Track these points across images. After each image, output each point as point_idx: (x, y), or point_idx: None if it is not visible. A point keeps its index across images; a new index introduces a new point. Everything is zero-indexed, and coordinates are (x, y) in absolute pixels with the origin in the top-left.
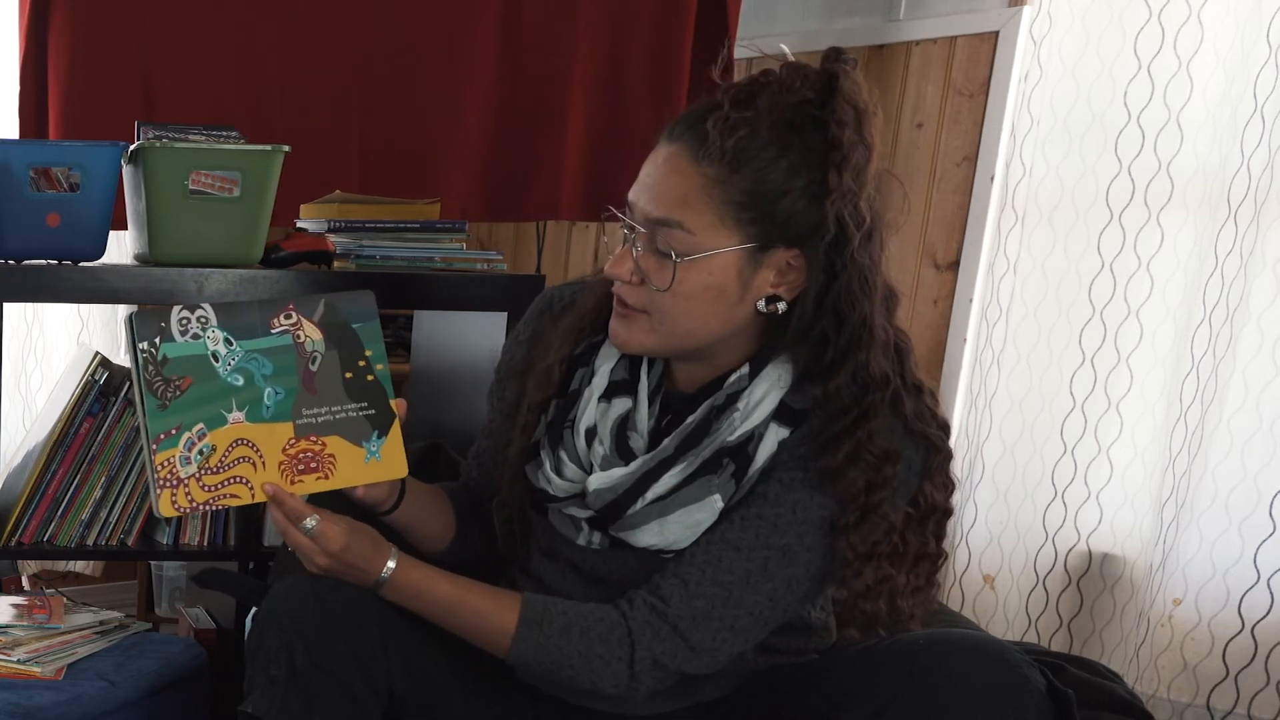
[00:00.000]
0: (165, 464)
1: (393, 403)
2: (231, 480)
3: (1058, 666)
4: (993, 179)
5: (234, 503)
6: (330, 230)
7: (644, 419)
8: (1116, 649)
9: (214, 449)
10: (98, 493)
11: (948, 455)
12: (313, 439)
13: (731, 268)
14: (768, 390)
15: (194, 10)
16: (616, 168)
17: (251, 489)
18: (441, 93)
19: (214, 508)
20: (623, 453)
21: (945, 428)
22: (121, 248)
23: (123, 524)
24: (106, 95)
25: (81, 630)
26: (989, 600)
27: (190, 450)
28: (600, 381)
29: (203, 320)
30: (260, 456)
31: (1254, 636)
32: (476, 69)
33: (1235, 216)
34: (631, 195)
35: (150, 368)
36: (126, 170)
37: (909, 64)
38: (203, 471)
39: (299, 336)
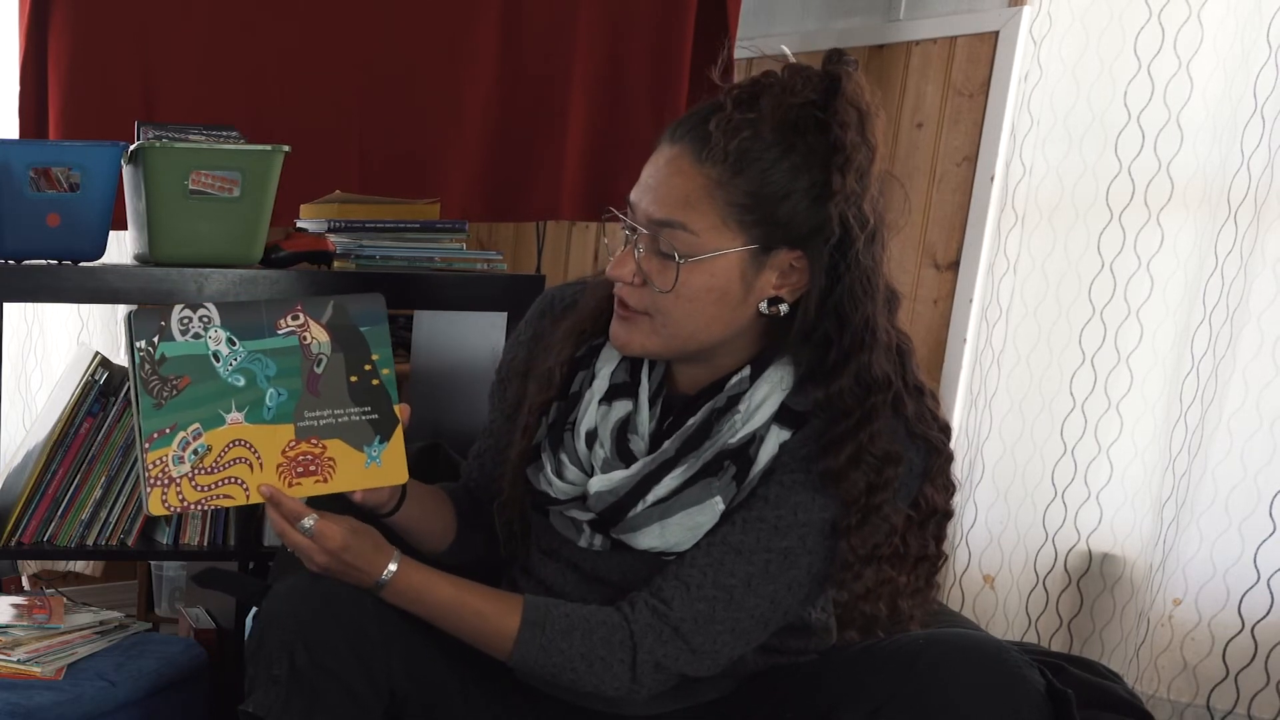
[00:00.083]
0: (157, 463)
1: (396, 408)
2: (226, 481)
3: (1057, 666)
4: (993, 179)
5: (227, 503)
6: (330, 230)
7: (645, 421)
8: (1116, 649)
9: (209, 449)
10: (98, 493)
11: (948, 457)
12: (313, 441)
13: (734, 269)
14: (769, 392)
15: (194, 10)
16: (616, 168)
17: (247, 490)
18: (441, 93)
19: (206, 508)
20: (623, 455)
21: (946, 430)
22: (121, 248)
23: (123, 524)
24: (106, 95)
25: (81, 630)
26: (989, 600)
27: (184, 450)
28: (601, 384)
29: (205, 320)
30: (257, 458)
31: (1254, 636)
32: (476, 69)
33: (1235, 216)
34: (633, 196)
35: (147, 367)
36: (126, 170)
37: (909, 64)
38: (196, 471)
39: (305, 338)
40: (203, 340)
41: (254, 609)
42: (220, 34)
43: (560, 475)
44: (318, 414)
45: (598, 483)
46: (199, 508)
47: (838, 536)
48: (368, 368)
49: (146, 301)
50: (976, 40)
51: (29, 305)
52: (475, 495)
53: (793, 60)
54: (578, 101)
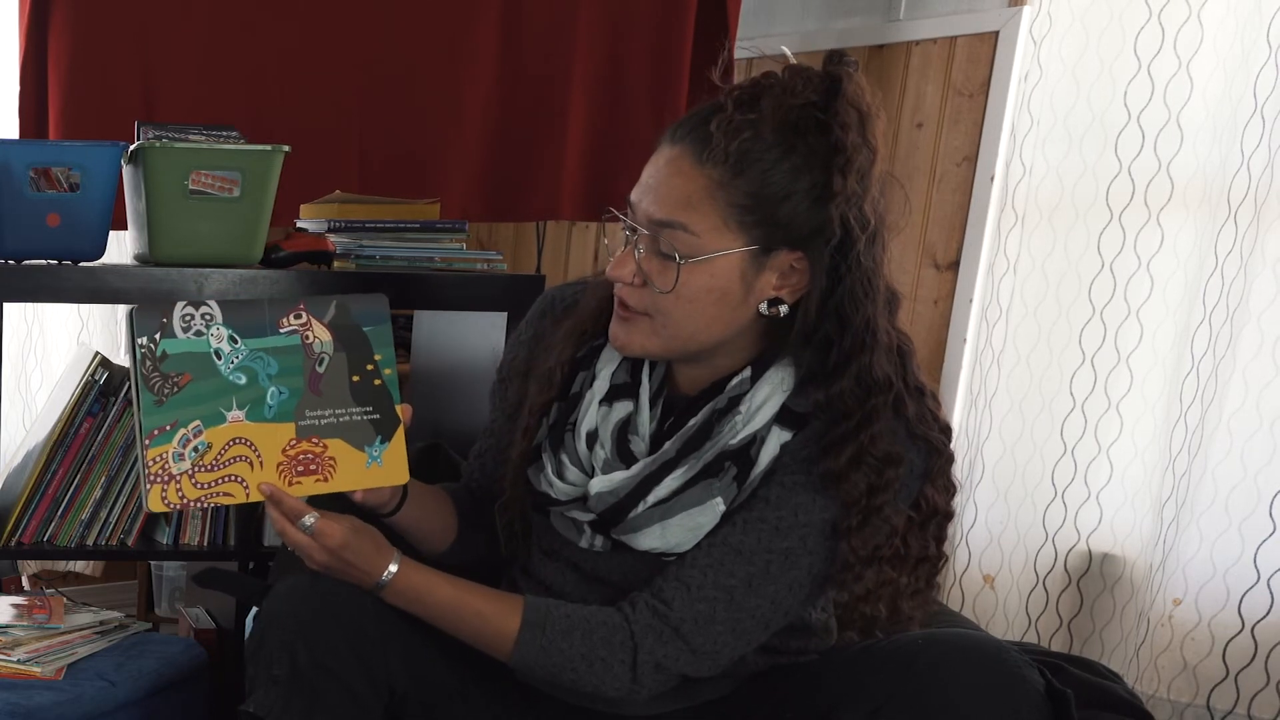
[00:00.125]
0: (157, 459)
1: (398, 408)
2: (226, 479)
3: (1057, 666)
4: (993, 179)
5: (227, 501)
6: (330, 230)
7: (645, 422)
8: (1116, 649)
9: (210, 446)
10: (98, 493)
11: (949, 458)
12: (314, 441)
13: (734, 270)
14: (770, 394)
15: (194, 10)
16: (616, 168)
17: (246, 488)
18: (441, 93)
19: (206, 505)
20: (624, 456)
21: (947, 431)
22: (121, 248)
23: (123, 524)
24: (106, 95)
25: (81, 630)
26: (989, 600)
27: (184, 447)
28: (601, 385)
29: (207, 317)
30: (258, 456)
31: (1254, 636)
32: (476, 69)
33: (1235, 216)
34: (633, 196)
35: (148, 363)
36: (126, 170)
37: (909, 64)
38: (196, 469)
39: (307, 337)
40: (204, 338)
41: (254, 609)
42: (220, 34)
43: (561, 476)
44: (319, 413)
45: (598, 483)
46: (199, 505)
47: (838, 537)
48: (370, 367)
49: (147, 302)
50: (976, 40)
51: (29, 305)
52: (476, 495)
53: (793, 61)
54: (578, 101)
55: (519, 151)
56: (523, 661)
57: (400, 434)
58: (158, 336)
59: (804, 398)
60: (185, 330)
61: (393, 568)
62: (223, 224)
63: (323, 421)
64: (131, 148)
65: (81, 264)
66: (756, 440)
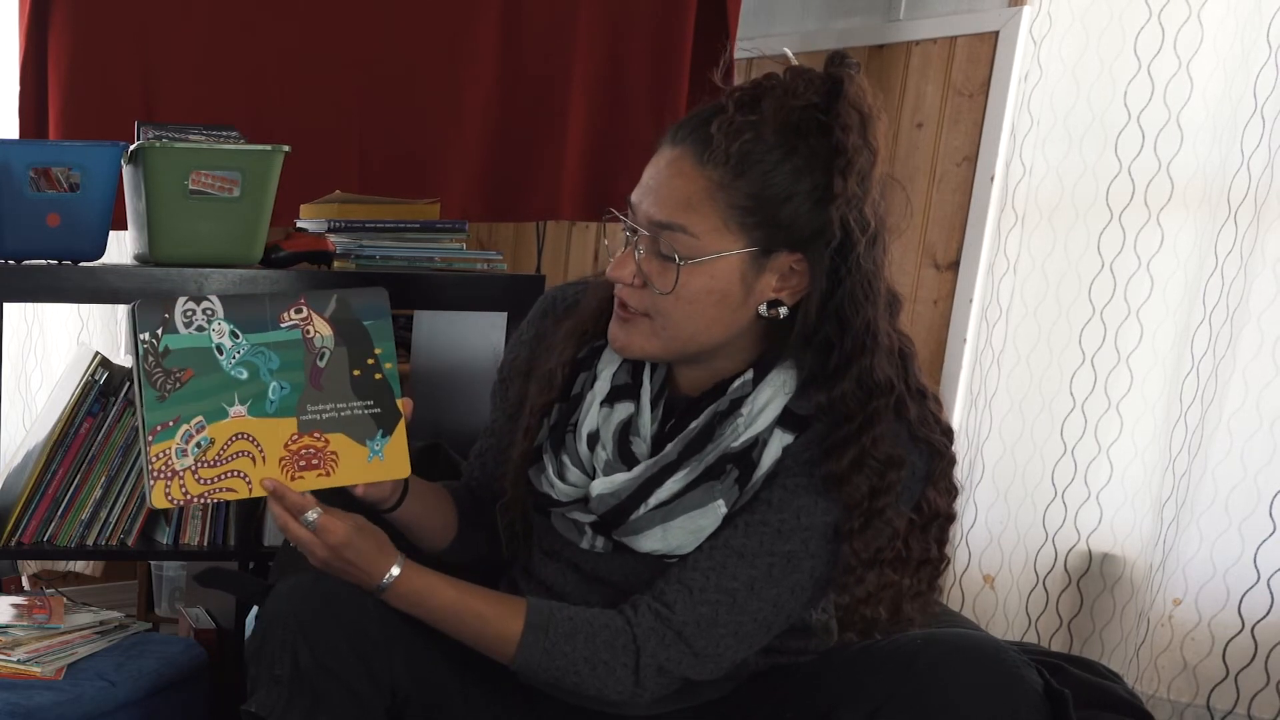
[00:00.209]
0: (160, 455)
1: (399, 402)
2: (229, 474)
3: (1057, 666)
4: (993, 179)
5: (230, 496)
6: (330, 230)
7: (647, 424)
8: (1116, 649)
9: (212, 442)
10: (98, 493)
11: (951, 460)
12: (316, 435)
13: (734, 271)
14: (772, 396)
15: (194, 10)
16: (616, 168)
17: (249, 483)
18: (441, 93)
19: (209, 501)
20: (625, 458)
21: (948, 433)
22: (121, 248)
23: (123, 524)
24: (106, 95)
25: (81, 630)
26: (989, 600)
27: (187, 442)
28: (603, 386)
29: (209, 312)
30: (260, 451)
31: (1254, 636)
32: (476, 69)
33: (1235, 216)
34: (634, 197)
35: (150, 359)
36: (126, 170)
37: (909, 64)
38: (199, 464)
39: (308, 331)
40: (206, 333)
41: (255, 608)
42: (220, 34)
43: (562, 477)
44: (320, 408)
45: (600, 485)
46: (202, 501)
47: (840, 540)
48: (370, 361)
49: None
50: (976, 40)
51: (29, 305)
52: (477, 494)
53: (795, 62)
54: (578, 101)
55: (519, 151)
56: (525, 665)
57: (401, 427)
58: (160, 332)
59: (806, 400)
60: (187, 325)
61: (394, 571)
62: (223, 224)
63: (324, 416)
64: (131, 148)
65: (81, 264)
66: (758, 443)
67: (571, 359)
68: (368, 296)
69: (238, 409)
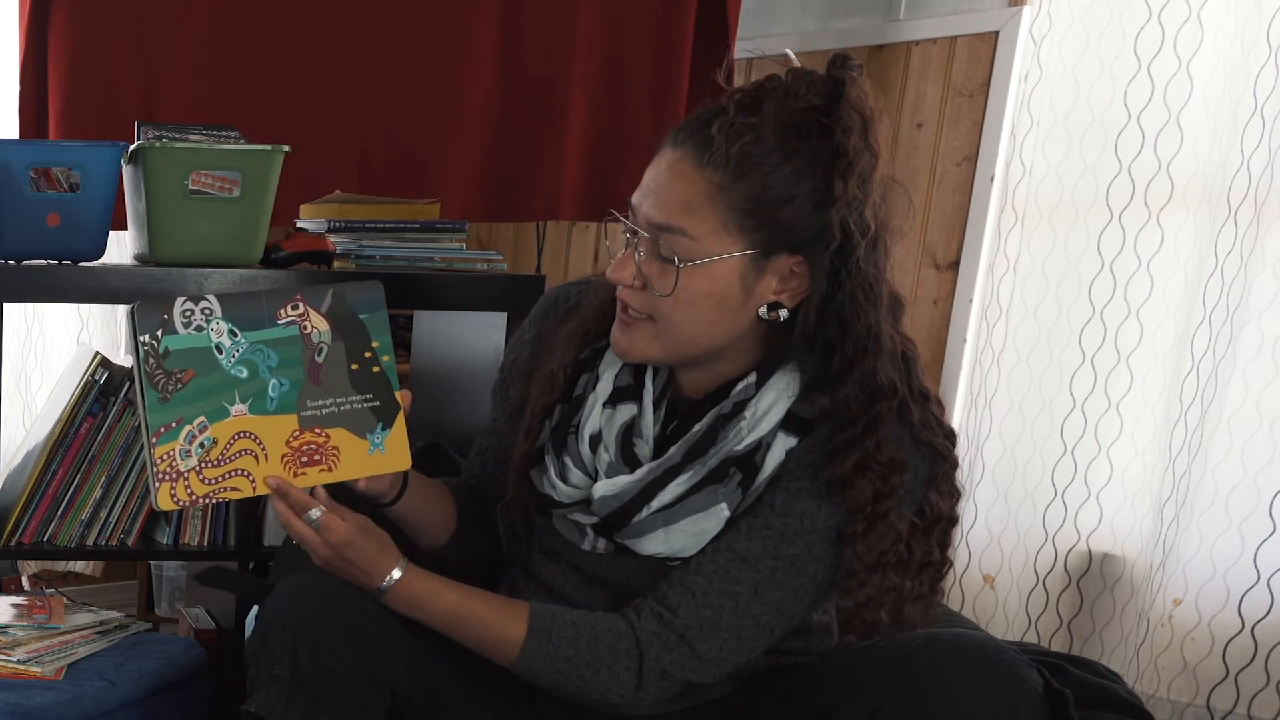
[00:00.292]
0: (165, 457)
1: (397, 394)
2: (232, 473)
3: (1057, 666)
4: (993, 179)
5: (235, 495)
6: (330, 230)
7: (649, 426)
8: (1116, 649)
9: (215, 442)
10: (98, 493)
11: (953, 464)
12: (316, 431)
13: (734, 274)
14: (775, 399)
15: (194, 10)
16: (616, 168)
17: (253, 481)
18: (441, 93)
19: (214, 501)
20: (628, 460)
21: (951, 436)
22: (121, 248)
23: (123, 524)
24: (106, 95)
25: (81, 630)
26: (989, 600)
27: (191, 443)
28: (605, 387)
29: (207, 311)
30: (262, 449)
31: (1254, 636)
32: (476, 69)
33: (1235, 216)
34: (634, 199)
35: (151, 360)
36: (126, 170)
37: (909, 64)
38: (203, 465)
39: (305, 327)
40: (205, 332)
41: (255, 608)
42: (220, 34)
43: (564, 479)
44: (320, 403)
45: (602, 487)
46: (207, 501)
47: (843, 544)
48: (368, 355)
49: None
50: (976, 40)
51: (29, 305)
52: (477, 492)
53: (796, 63)
54: (578, 101)
55: (519, 151)
56: (528, 668)
57: (401, 420)
58: (160, 333)
59: (809, 403)
60: (186, 326)
61: (395, 574)
62: (223, 224)
63: (324, 411)
64: (131, 148)
65: (81, 264)
66: (761, 446)
67: (573, 360)
68: (363, 290)
69: (239, 408)
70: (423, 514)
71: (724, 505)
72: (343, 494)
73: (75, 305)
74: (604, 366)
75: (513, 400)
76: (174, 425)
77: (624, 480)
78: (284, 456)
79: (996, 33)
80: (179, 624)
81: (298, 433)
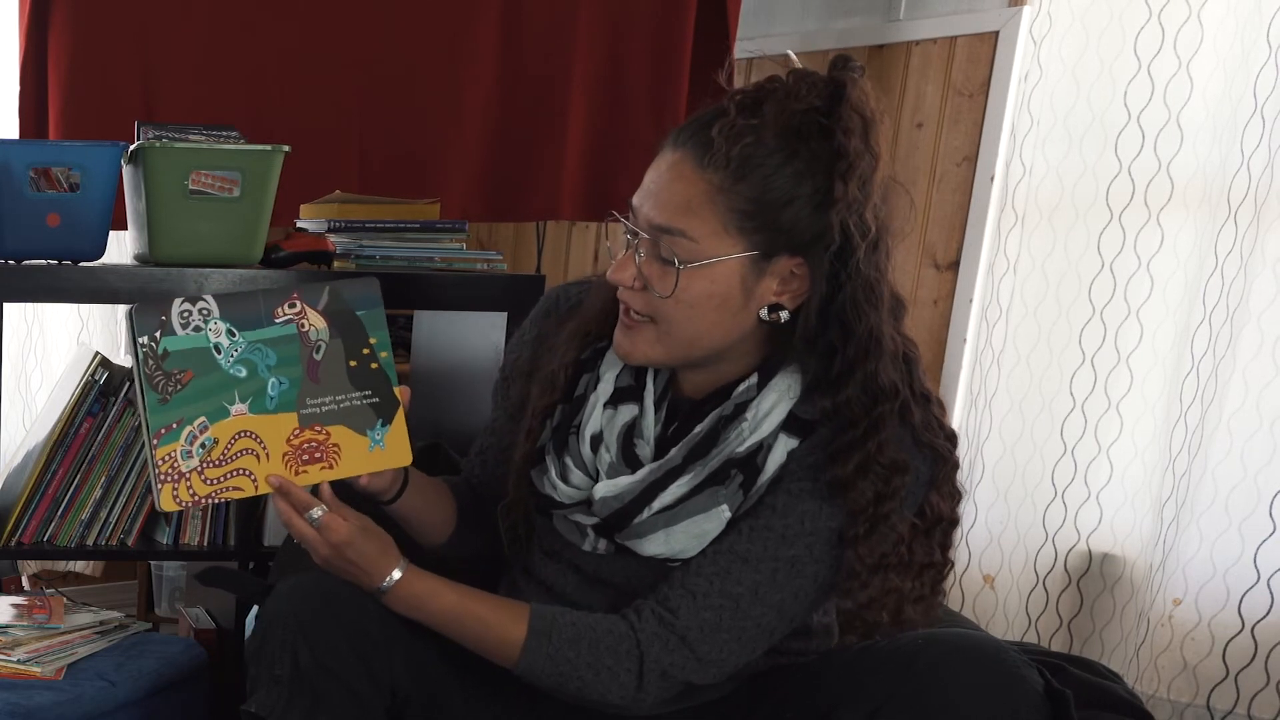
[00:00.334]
0: (166, 458)
1: (396, 390)
2: (234, 473)
3: (1057, 666)
4: (993, 179)
5: (237, 495)
6: (330, 230)
7: (650, 426)
8: (1116, 649)
9: (216, 442)
10: (98, 493)
11: (954, 465)
12: (317, 429)
13: (734, 275)
14: (776, 401)
15: (194, 10)
16: (617, 168)
17: (255, 481)
18: (441, 93)
19: (217, 500)
20: (629, 460)
21: (952, 438)
22: (121, 248)
23: (123, 524)
24: (106, 95)
25: (81, 630)
26: (989, 600)
27: (192, 444)
28: (606, 388)
29: (205, 312)
30: (263, 448)
31: (1254, 636)
32: (476, 69)
33: (1235, 216)
34: (635, 200)
35: (151, 362)
36: (126, 170)
37: (909, 64)
38: (205, 465)
39: (303, 325)
40: (203, 333)
41: (255, 608)
42: (220, 34)
43: (565, 479)
44: (320, 401)
45: (603, 488)
46: (210, 501)
47: (845, 546)
48: (366, 351)
49: (145, 301)
50: (976, 40)
51: (29, 305)
52: (477, 491)
53: (798, 65)
54: (578, 101)
55: (519, 151)
56: (528, 669)
57: (401, 416)
58: (158, 335)
59: (810, 405)
60: (184, 326)
61: (395, 574)
62: (223, 224)
63: (324, 409)
64: (131, 148)
65: (81, 264)
66: (763, 447)
67: (574, 360)
68: (359, 287)
69: (239, 407)
70: (423, 512)
71: (725, 506)
72: (344, 492)
73: (75, 305)
74: (605, 367)
75: (513, 400)
76: (174, 426)
77: (625, 481)
78: (285, 455)
79: (996, 33)
80: (179, 624)
81: (298, 431)
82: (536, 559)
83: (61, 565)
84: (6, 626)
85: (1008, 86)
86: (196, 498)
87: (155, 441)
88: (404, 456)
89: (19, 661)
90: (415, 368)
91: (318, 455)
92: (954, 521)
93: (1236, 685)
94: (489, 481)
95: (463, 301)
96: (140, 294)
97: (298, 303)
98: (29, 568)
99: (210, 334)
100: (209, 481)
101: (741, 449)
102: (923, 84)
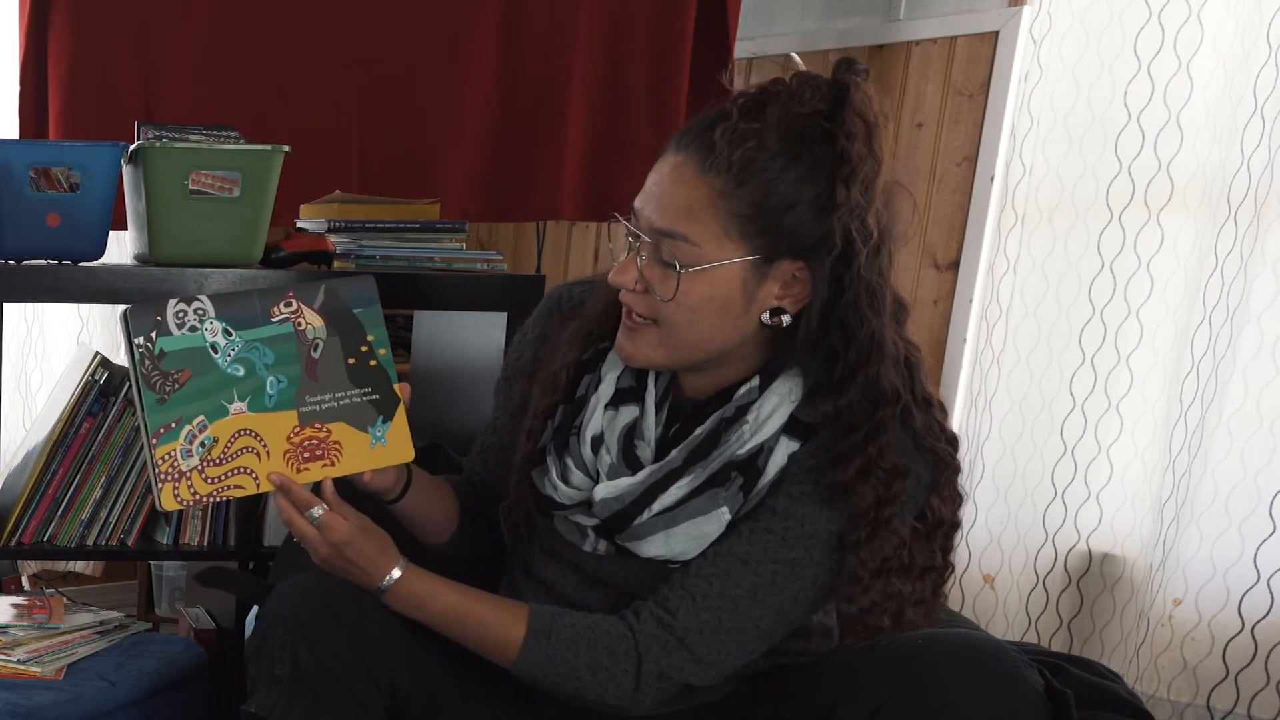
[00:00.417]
0: (166, 458)
1: (396, 387)
2: (235, 471)
3: (1057, 667)
4: (993, 179)
5: (239, 493)
6: (330, 230)
7: (651, 428)
8: (1116, 649)
9: (216, 440)
10: (98, 493)
11: (956, 470)
12: (317, 426)
13: (736, 279)
14: (778, 404)
15: (194, 10)
16: (616, 168)
17: (256, 479)
18: (441, 93)
19: (218, 499)
20: (630, 462)
21: (954, 442)
22: (121, 248)
23: (123, 524)
24: (106, 95)
25: (81, 630)
26: (989, 600)
27: (191, 443)
28: (607, 389)
29: (200, 312)
30: (264, 446)
31: (1254, 636)
32: (476, 69)
33: (1235, 216)
34: (637, 203)
35: (147, 362)
36: (126, 170)
37: (909, 64)
38: (205, 463)
39: (300, 324)
40: (199, 332)
41: (255, 608)
42: (220, 34)
43: (565, 480)
44: (319, 398)
45: (603, 490)
46: (211, 499)
47: (845, 549)
48: (364, 349)
49: (144, 301)
50: (976, 40)
51: (29, 305)
52: (478, 489)
53: (803, 68)
54: (578, 101)
55: (519, 151)
56: (526, 670)
57: (401, 412)
58: (154, 335)
59: (812, 408)
60: (180, 327)
61: (395, 573)
62: (223, 224)
63: (323, 406)
64: (131, 148)
65: (81, 264)
66: (764, 450)
67: (576, 361)
68: (356, 285)
69: (238, 406)
70: (427, 510)
71: (725, 509)
72: (348, 492)
73: (75, 305)
74: (606, 368)
75: (515, 399)
76: (173, 426)
77: (625, 482)
78: (286, 453)
79: (996, 33)
80: (179, 624)
81: (298, 429)
82: (537, 558)
83: (61, 565)
84: (6, 626)
85: (1008, 86)
86: (197, 496)
87: (154, 441)
88: (406, 453)
89: (19, 661)
90: (415, 368)
91: (319, 452)
92: (955, 525)
93: (1236, 685)
94: (490, 480)
95: (463, 301)
96: (140, 294)
97: (294, 301)
98: (29, 568)
99: (206, 333)
100: (210, 480)
101: (742, 451)
102: (923, 84)
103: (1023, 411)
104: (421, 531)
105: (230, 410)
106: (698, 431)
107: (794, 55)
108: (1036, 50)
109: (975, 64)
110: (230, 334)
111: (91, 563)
